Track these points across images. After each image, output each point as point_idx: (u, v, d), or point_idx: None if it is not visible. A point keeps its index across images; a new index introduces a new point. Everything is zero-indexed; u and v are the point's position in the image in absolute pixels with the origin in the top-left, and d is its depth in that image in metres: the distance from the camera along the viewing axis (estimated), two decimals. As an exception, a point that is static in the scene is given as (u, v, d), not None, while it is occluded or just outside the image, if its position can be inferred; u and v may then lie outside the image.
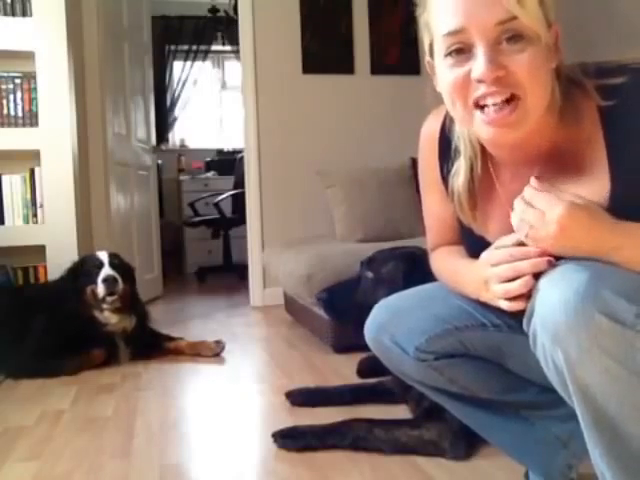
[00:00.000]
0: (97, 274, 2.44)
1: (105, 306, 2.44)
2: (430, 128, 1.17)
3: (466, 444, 1.46)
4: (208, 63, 6.28)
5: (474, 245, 1.09)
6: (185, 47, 6.07)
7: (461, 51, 0.89)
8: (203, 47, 6.12)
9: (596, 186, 0.93)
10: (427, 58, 0.99)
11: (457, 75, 0.90)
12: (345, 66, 3.77)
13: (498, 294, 0.95)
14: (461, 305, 1.13)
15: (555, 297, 0.82)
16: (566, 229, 0.85)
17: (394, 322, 1.21)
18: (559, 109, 0.95)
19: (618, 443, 0.84)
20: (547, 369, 0.88)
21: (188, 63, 6.11)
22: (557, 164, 0.98)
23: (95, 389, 2.17)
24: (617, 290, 0.79)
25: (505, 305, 0.94)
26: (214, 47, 6.19)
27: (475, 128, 0.94)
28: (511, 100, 0.89)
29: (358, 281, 1.78)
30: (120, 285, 2.45)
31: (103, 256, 2.52)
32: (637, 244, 0.85)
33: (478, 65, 0.87)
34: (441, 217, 1.21)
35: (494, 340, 1.14)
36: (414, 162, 3.45)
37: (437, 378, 1.21)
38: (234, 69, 6.17)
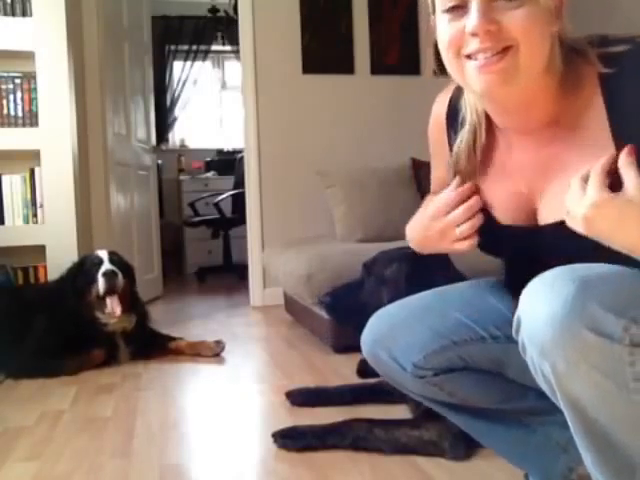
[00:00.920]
0: (97, 271, 2.45)
1: (107, 310, 2.43)
2: (438, 105, 1.17)
3: (466, 444, 1.46)
4: (208, 63, 6.28)
5: (483, 228, 1.08)
6: (185, 47, 6.06)
7: (458, 7, 0.90)
8: (203, 47, 6.12)
9: (600, 154, 0.91)
10: (431, 17, 0.99)
11: (453, 30, 0.91)
12: (345, 66, 3.77)
13: (458, 238, 1.03)
14: (459, 318, 1.12)
15: (541, 310, 0.81)
16: (591, 222, 0.83)
17: (391, 336, 1.19)
18: (561, 75, 0.95)
19: (610, 451, 0.83)
20: (537, 379, 0.88)
21: (188, 63, 6.11)
22: (561, 132, 0.97)
23: (95, 389, 2.17)
24: (605, 303, 0.78)
25: (466, 245, 1.02)
26: (214, 47, 6.18)
27: (468, 81, 0.94)
28: (502, 52, 0.89)
29: (361, 283, 1.78)
30: (120, 279, 2.46)
31: (103, 254, 2.52)
32: None
33: (471, 19, 0.88)
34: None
35: (493, 352, 1.13)
36: (414, 162, 3.45)
37: (436, 392, 1.20)
38: (234, 69, 6.17)
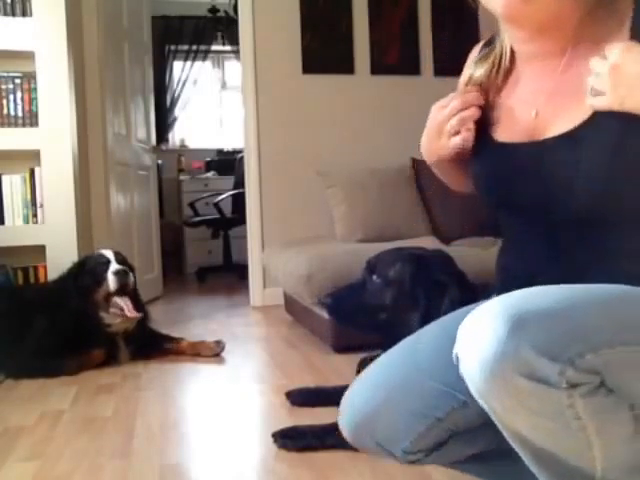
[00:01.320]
0: (105, 270, 2.45)
1: (123, 311, 2.43)
2: (472, 52, 1.18)
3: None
4: (208, 63, 6.28)
5: (482, 149, 1.07)
6: (185, 47, 6.07)
7: None
8: (203, 47, 6.12)
9: None
10: None
11: None
12: (345, 66, 3.77)
13: (450, 132, 1.03)
14: (437, 387, 1.07)
15: (474, 353, 0.78)
16: (620, 69, 0.80)
17: (372, 425, 1.12)
18: (594, 1, 0.94)
19: (568, 475, 0.82)
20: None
21: (188, 63, 6.11)
22: (581, 56, 0.95)
23: (95, 389, 2.17)
24: (539, 346, 0.73)
25: (458, 139, 1.03)
26: (214, 47, 6.19)
27: (492, 2, 0.94)
28: None
29: (363, 284, 1.77)
30: (131, 278, 2.47)
31: (108, 253, 2.53)
32: None
33: None
34: None
35: (476, 412, 1.06)
36: (414, 162, 3.45)
37: (432, 463, 1.17)
38: (234, 69, 6.17)
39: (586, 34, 0.95)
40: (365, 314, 1.64)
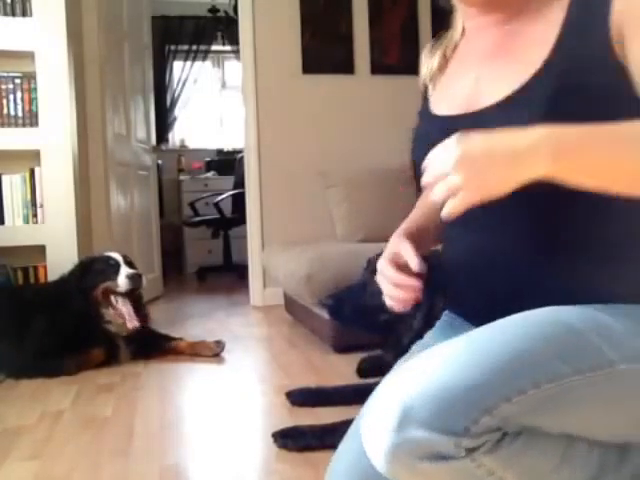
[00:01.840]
0: (115, 272, 2.46)
1: (120, 318, 2.45)
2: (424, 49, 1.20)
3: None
4: (208, 63, 6.28)
5: (422, 125, 1.08)
6: (185, 47, 6.06)
7: None
8: (203, 47, 6.12)
9: (538, 50, 0.88)
10: None
11: None
12: (345, 66, 3.77)
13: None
14: None
15: (374, 449, 0.76)
16: (466, 154, 0.74)
17: None
18: None
19: None
20: None
21: (188, 63, 6.11)
22: (526, 23, 0.95)
23: (95, 389, 2.18)
24: (430, 427, 0.71)
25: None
26: (214, 47, 6.18)
27: None
28: None
29: (364, 285, 1.77)
30: (144, 282, 2.48)
31: (117, 256, 2.54)
32: (557, 133, 0.73)
33: None
34: None
35: None
36: (414, 162, 3.45)
37: None
38: (234, 69, 6.17)
39: (531, 5, 0.95)
40: (366, 315, 1.64)
